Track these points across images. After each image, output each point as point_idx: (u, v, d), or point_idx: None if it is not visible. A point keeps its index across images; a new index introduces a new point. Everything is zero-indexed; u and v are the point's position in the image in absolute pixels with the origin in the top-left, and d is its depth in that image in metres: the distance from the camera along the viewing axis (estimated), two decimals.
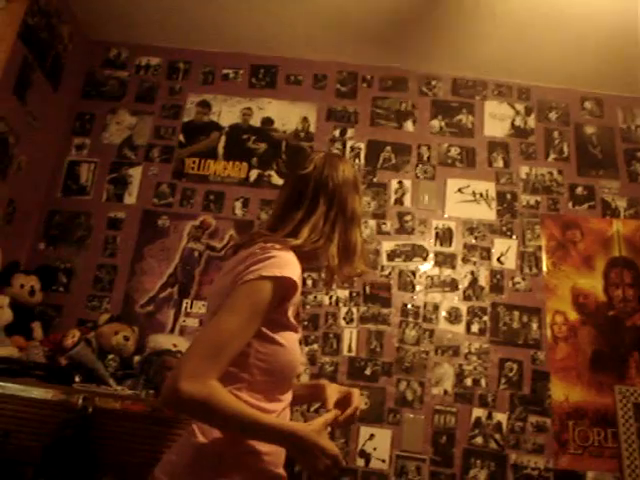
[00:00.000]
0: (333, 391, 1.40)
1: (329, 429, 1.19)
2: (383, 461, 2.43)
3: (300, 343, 1.29)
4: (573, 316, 2.64)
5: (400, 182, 2.85)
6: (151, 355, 2.18)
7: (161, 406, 1.83)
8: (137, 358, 2.25)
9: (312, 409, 2.43)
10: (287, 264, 1.19)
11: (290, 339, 1.23)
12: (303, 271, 1.26)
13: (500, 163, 2.88)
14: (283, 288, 1.18)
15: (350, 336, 2.59)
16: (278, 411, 1.25)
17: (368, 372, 2.54)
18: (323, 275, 2.36)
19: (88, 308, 2.65)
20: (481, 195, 2.82)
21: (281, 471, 1.28)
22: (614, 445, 2.46)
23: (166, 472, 1.20)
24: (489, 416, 2.49)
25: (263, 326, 1.18)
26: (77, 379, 2.05)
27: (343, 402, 1.38)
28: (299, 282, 1.21)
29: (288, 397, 1.31)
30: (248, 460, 1.20)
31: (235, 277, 1.17)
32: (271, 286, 1.15)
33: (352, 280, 2.62)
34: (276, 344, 1.21)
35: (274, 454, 1.23)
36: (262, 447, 1.20)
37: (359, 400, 1.40)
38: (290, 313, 1.22)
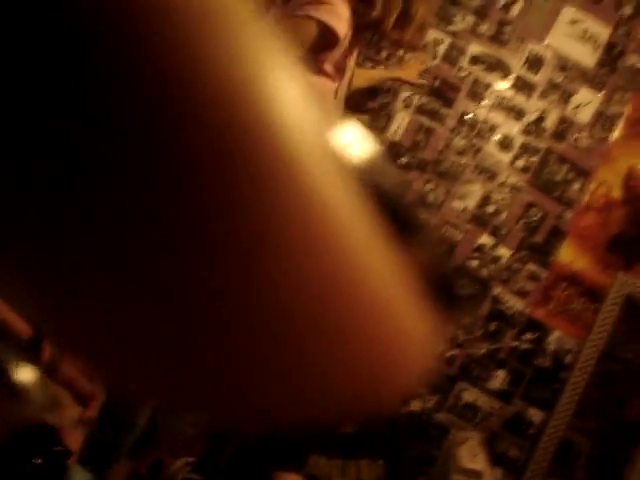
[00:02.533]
0: None
1: None
2: None
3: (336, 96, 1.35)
4: (616, 193, 2.58)
5: None
6: None
7: None
8: None
9: None
10: (338, 16, 1.19)
11: (321, 85, 1.27)
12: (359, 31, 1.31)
13: (628, 10, 2.58)
14: (325, 36, 1.19)
15: (401, 121, 2.53)
16: None
17: (403, 161, 2.52)
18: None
19: None
20: (591, 37, 2.56)
21: None
22: (591, 319, 2.56)
23: None
24: (493, 247, 2.54)
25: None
26: None
27: None
28: (342, 38, 1.22)
29: None
30: None
31: (283, 10, 1.21)
32: (314, 28, 1.16)
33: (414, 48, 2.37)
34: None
35: None
36: None
37: None
38: (328, 63, 1.25)
